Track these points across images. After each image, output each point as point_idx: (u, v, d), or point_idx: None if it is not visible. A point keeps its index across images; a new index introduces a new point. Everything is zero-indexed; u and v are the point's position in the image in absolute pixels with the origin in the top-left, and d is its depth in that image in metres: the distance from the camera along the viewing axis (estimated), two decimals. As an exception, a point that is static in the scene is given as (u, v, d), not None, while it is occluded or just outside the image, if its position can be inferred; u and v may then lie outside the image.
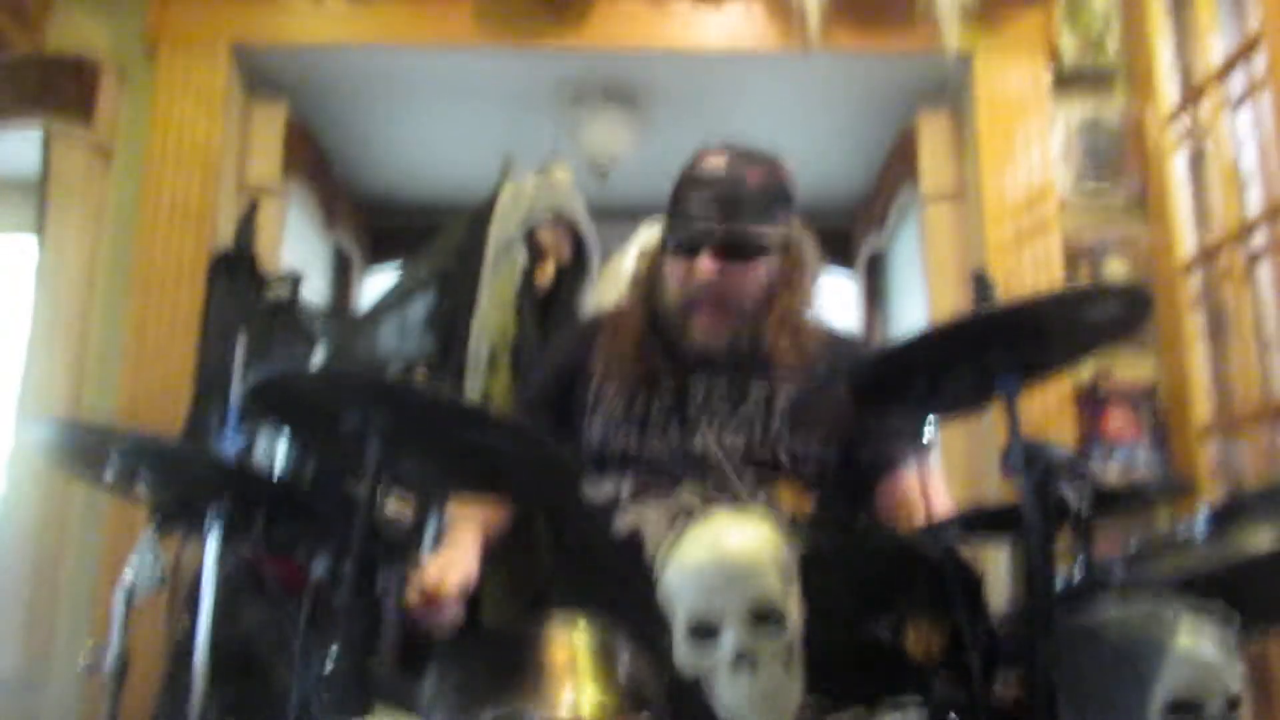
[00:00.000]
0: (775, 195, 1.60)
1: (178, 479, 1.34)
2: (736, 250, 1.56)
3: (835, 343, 1.68)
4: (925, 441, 1.57)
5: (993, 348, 1.10)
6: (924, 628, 1.08)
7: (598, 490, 1.58)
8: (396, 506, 1.84)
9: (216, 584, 1.27)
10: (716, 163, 1.59)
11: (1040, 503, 1.04)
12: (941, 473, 1.67)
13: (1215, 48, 2.62)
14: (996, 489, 2.59)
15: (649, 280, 1.67)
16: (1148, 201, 2.85)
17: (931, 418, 1.50)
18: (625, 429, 1.60)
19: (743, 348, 1.60)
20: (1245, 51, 2.50)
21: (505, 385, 2.28)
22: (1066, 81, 2.94)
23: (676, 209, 1.60)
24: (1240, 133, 2.61)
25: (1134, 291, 1.17)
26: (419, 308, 2.38)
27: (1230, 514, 1.27)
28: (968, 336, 1.11)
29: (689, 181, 1.60)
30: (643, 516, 1.52)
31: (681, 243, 1.58)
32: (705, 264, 1.55)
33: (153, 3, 2.94)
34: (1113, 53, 2.93)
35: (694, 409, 1.59)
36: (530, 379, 1.86)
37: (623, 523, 1.53)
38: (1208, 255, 2.65)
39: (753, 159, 1.61)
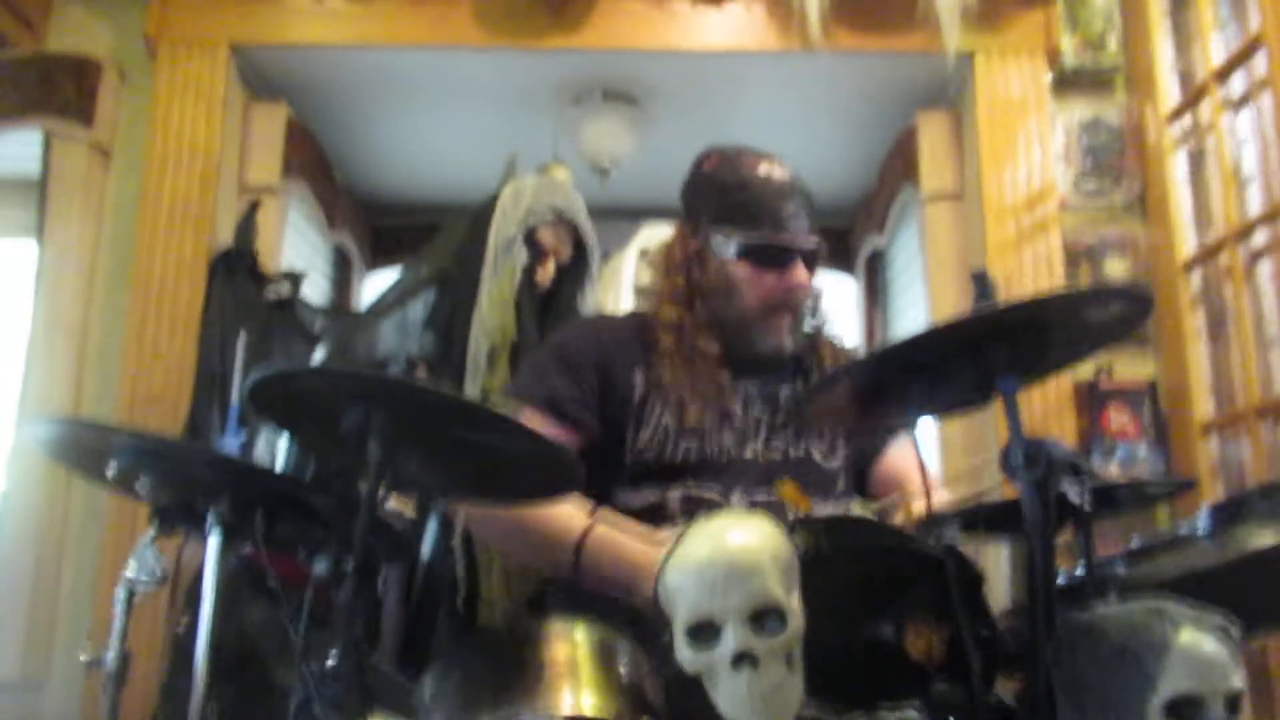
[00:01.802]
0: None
1: (178, 478, 1.33)
2: (814, 261, 1.65)
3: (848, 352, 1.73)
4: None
5: (993, 347, 1.10)
6: (924, 628, 1.07)
7: (639, 498, 1.57)
8: (396, 505, 1.84)
9: (217, 583, 1.27)
10: (771, 170, 1.64)
11: (1041, 501, 1.04)
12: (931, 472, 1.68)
13: (1216, 48, 2.62)
14: (996, 489, 2.59)
15: (706, 285, 1.64)
16: (1148, 201, 2.85)
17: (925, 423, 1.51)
18: (682, 441, 1.58)
19: (790, 350, 1.65)
20: (1246, 52, 2.51)
21: (504, 384, 2.28)
22: (1067, 81, 2.95)
23: (755, 215, 1.61)
24: (1240, 133, 2.61)
25: (1135, 291, 1.17)
26: (419, 307, 2.38)
27: (1231, 512, 1.27)
28: (968, 336, 1.11)
29: (761, 187, 1.62)
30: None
31: (773, 252, 1.61)
32: (801, 274, 1.61)
33: (153, 4, 2.94)
34: (1113, 52, 2.93)
35: (740, 418, 1.61)
36: (527, 380, 1.72)
37: (671, 533, 1.51)
38: (1208, 254, 2.65)
39: (787, 165, 1.67)
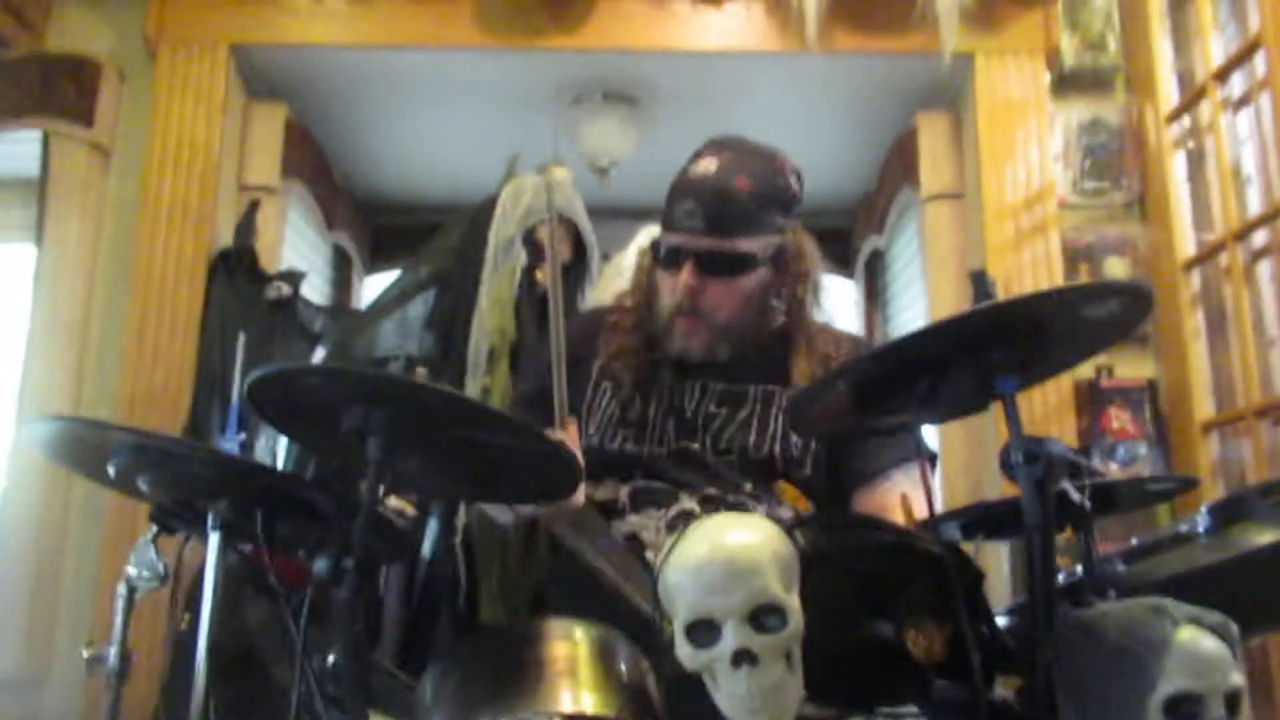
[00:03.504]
0: (766, 202, 1.56)
1: (178, 478, 1.33)
2: (718, 265, 1.54)
3: (850, 345, 1.68)
4: (919, 450, 1.54)
5: (992, 345, 1.10)
6: (924, 627, 1.07)
7: (598, 492, 1.57)
8: (397, 504, 1.84)
9: (217, 582, 1.27)
10: (707, 167, 1.55)
11: (1041, 501, 1.04)
12: (935, 483, 1.60)
13: (1215, 48, 2.62)
14: (997, 488, 2.59)
15: (646, 285, 1.66)
16: (1147, 201, 2.85)
17: (927, 428, 1.47)
18: (623, 432, 1.58)
19: (721, 358, 1.59)
20: (1245, 52, 2.51)
21: (504, 384, 2.28)
22: (1066, 82, 2.95)
23: (667, 215, 1.59)
24: (1239, 133, 2.61)
25: (1134, 288, 1.17)
26: (419, 307, 2.38)
27: (1230, 512, 1.27)
28: (967, 333, 1.11)
29: (679, 186, 1.58)
30: (642, 522, 1.51)
31: (667, 254, 1.58)
32: (685, 278, 1.54)
33: (152, 4, 2.95)
34: (1113, 53, 2.93)
35: (691, 411, 1.58)
36: (527, 374, 1.80)
37: (621, 528, 1.52)
38: (1207, 254, 2.65)
39: (747, 162, 1.57)
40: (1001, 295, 1.14)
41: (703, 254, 1.53)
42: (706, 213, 1.52)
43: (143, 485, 1.30)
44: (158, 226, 2.83)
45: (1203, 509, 1.27)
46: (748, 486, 1.52)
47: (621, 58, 3.09)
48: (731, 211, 1.53)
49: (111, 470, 1.29)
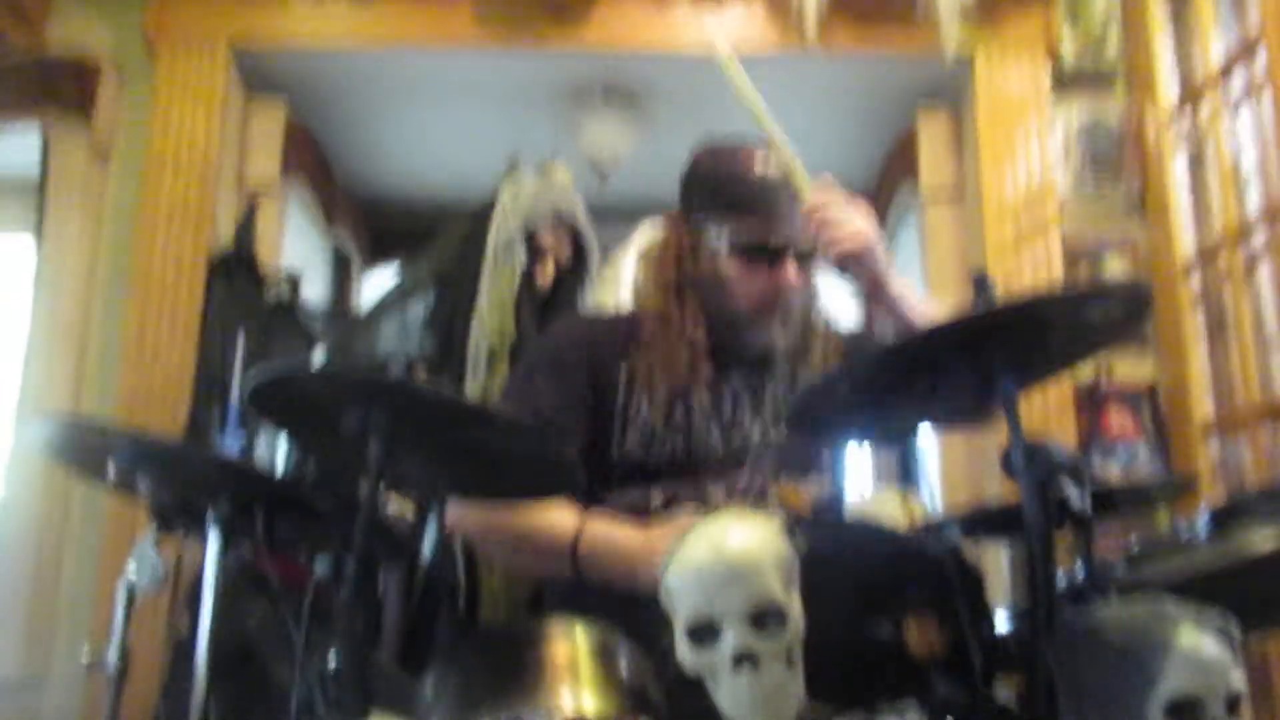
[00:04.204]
0: None
1: (178, 478, 1.34)
2: (810, 259, 1.59)
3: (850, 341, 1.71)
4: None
5: (991, 348, 1.10)
6: (924, 628, 1.07)
7: (624, 498, 1.55)
8: (397, 505, 1.84)
9: (217, 583, 1.27)
10: (765, 165, 1.59)
11: (1040, 503, 1.04)
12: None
13: (1215, 48, 2.62)
14: (997, 489, 2.59)
15: (703, 279, 1.60)
16: (1147, 202, 2.85)
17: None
18: (659, 438, 1.56)
19: (792, 349, 1.63)
20: (1245, 52, 2.51)
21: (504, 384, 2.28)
22: (1066, 81, 2.95)
23: (748, 210, 1.56)
24: (1240, 133, 2.61)
25: (1134, 290, 1.17)
26: (419, 307, 2.38)
27: (1231, 514, 1.27)
28: (967, 335, 1.11)
29: (756, 182, 1.57)
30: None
31: (764, 249, 1.56)
32: (791, 274, 1.56)
33: (152, 2, 2.95)
34: (1113, 53, 2.93)
35: (729, 415, 1.59)
36: (543, 377, 1.63)
37: None
38: (1207, 255, 2.65)
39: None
40: (1002, 295, 1.14)
41: (803, 251, 1.56)
42: (793, 211, 1.55)
43: (143, 486, 1.30)
44: (157, 225, 2.83)
45: (1203, 511, 1.27)
46: (779, 486, 1.54)
47: (621, 57, 3.09)
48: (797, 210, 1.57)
49: (111, 471, 1.29)
